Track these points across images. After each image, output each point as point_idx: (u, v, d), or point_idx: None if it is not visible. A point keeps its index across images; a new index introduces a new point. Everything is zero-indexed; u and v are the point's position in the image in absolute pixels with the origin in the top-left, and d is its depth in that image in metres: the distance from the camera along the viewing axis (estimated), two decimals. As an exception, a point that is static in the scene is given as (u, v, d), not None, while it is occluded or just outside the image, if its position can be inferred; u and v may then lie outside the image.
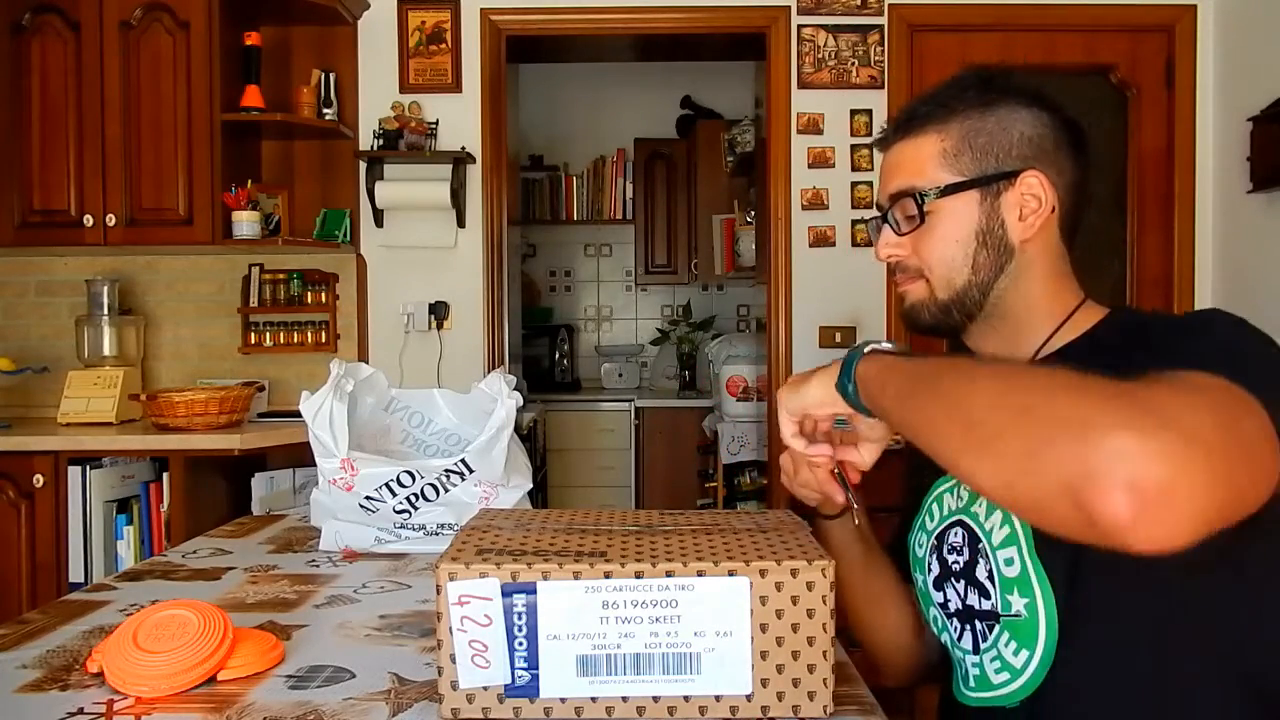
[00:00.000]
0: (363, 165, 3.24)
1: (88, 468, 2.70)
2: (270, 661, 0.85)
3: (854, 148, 3.24)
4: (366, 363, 1.48)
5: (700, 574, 0.73)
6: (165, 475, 2.74)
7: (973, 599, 0.92)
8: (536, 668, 0.73)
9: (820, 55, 3.24)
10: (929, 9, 3.22)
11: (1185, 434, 0.58)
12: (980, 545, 0.91)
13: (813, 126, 3.25)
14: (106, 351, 3.06)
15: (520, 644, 0.73)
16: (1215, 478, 0.58)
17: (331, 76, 3.17)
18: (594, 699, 0.73)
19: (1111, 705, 0.82)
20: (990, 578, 0.90)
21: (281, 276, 3.27)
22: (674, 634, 0.73)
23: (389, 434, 1.44)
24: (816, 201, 3.25)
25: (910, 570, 1.06)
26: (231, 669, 0.82)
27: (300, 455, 2.65)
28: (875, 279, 3.24)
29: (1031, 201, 0.92)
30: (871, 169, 3.24)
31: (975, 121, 0.93)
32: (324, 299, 3.28)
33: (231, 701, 0.78)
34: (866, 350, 0.84)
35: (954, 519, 0.96)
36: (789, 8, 3.23)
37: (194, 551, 1.33)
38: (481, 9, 3.24)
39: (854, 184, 3.24)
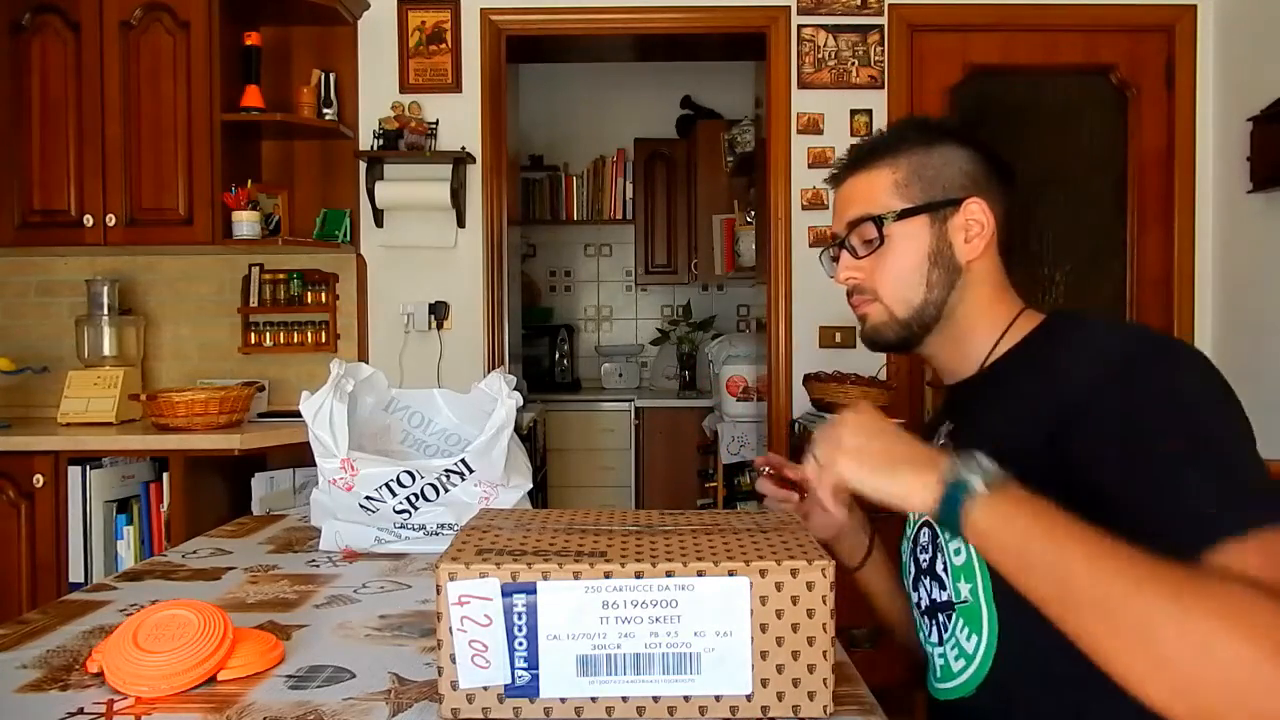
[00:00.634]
0: (363, 165, 3.24)
1: (88, 468, 2.70)
2: (270, 661, 0.85)
3: (854, 148, 3.23)
4: (366, 363, 1.47)
5: (700, 574, 0.73)
6: (165, 475, 2.74)
7: (935, 592, 1.00)
8: (536, 668, 0.73)
9: (820, 55, 3.24)
10: (929, 9, 3.22)
11: None
12: (939, 540, 1.00)
13: (813, 126, 3.25)
14: (106, 351, 3.06)
15: (520, 644, 0.73)
16: None
17: (331, 76, 3.17)
18: (594, 699, 0.73)
19: (1052, 688, 0.87)
20: (945, 569, 0.98)
21: (281, 276, 3.27)
22: (674, 634, 0.73)
23: (389, 434, 1.44)
24: (816, 201, 3.25)
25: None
26: (231, 669, 0.82)
27: (300, 455, 2.66)
28: (875, 279, 3.24)
29: (975, 225, 1.02)
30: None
31: (921, 156, 1.04)
32: (324, 299, 3.28)
33: (231, 701, 0.78)
34: (979, 488, 0.75)
35: (924, 519, 1.04)
36: (789, 8, 3.23)
37: (194, 551, 1.33)
38: (481, 9, 3.24)
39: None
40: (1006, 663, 0.91)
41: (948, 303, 1.03)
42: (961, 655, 0.95)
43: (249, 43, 2.99)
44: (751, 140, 3.94)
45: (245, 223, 2.97)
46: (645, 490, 4.37)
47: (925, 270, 1.02)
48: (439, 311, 3.28)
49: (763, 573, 0.74)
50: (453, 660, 0.73)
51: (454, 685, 0.73)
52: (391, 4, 3.23)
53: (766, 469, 1.13)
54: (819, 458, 0.86)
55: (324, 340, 3.27)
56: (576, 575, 0.73)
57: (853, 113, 3.24)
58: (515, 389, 1.32)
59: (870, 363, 3.16)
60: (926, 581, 1.02)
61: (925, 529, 1.03)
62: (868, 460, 0.81)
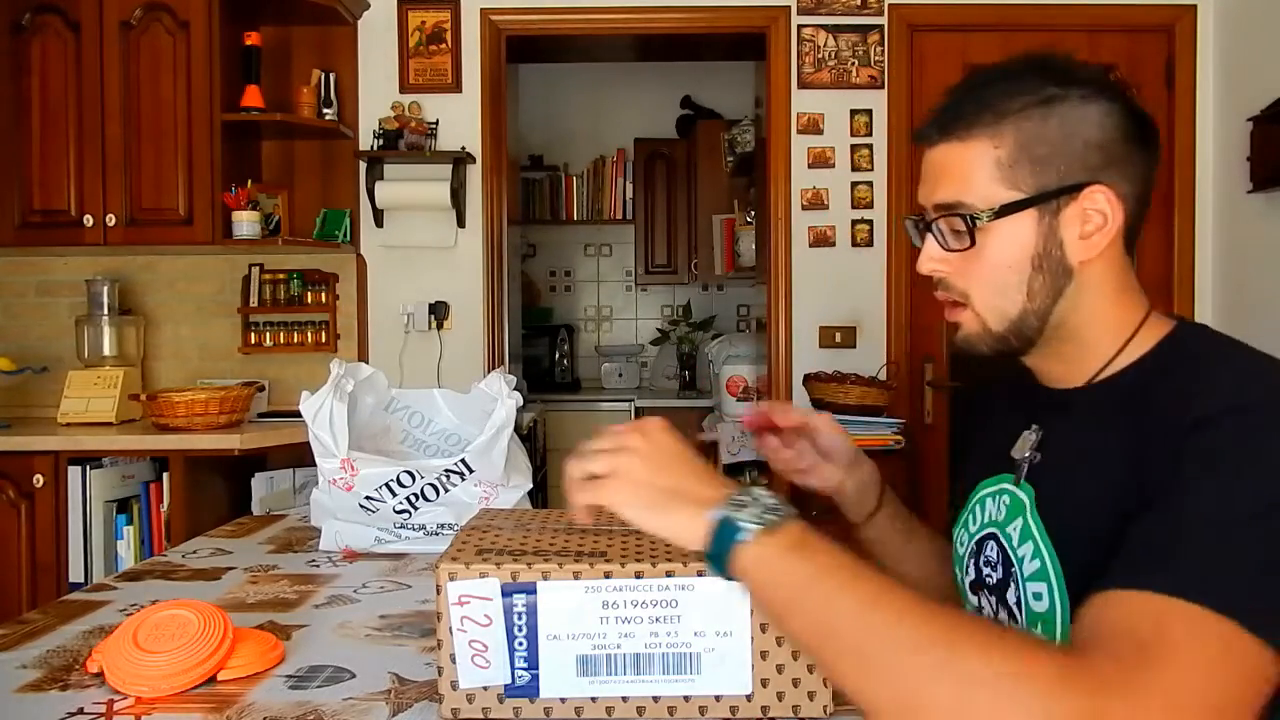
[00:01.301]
0: (363, 165, 3.24)
1: (88, 468, 2.70)
2: (270, 661, 0.85)
3: (854, 148, 3.24)
4: (366, 363, 1.48)
5: (700, 574, 0.73)
6: (165, 475, 2.74)
7: (1003, 616, 0.90)
8: (536, 668, 0.73)
9: (820, 55, 3.24)
10: (929, 9, 3.22)
11: None
12: (1012, 569, 0.88)
13: (813, 126, 3.25)
14: (106, 351, 3.06)
15: (520, 644, 0.73)
16: None
17: (331, 76, 3.17)
18: (594, 699, 0.73)
19: None
20: (1019, 604, 0.87)
21: (281, 276, 3.27)
22: (674, 634, 0.73)
23: (389, 434, 1.44)
24: (816, 201, 3.25)
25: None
26: (231, 669, 0.82)
27: (300, 455, 2.65)
28: (875, 279, 3.24)
29: (1096, 218, 0.82)
30: (871, 169, 3.24)
31: (1034, 125, 0.82)
32: (324, 299, 3.28)
33: (231, 701, 0.78)
34: (748, 529, 0.69)
35: (990, 530, 0.93)
36: (789, 8, 3.23)
37: (194, 551, 1.33)
38: (481, 9, 3.24)
39: (854, 184, 3.24)
40: None
41: (1054, 312, 0.85)
42: None
43: (249, 43, 3.00)
44: (751, 140, 3.94)
45: (245, 223, 2.97)
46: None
47: (1026, 276, 0.84)
48: (439, 311, 3.28)
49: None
50: (453, 660, 0.73)
51: (454, 685, 0.73)
52: (391, 4, 3.23)
53: (754, 428, 1.04)
54: (593, 470, 0.75)
55: (324, 340, 3.27)
56: (576, 575, 0.73)
57: (853, 113, 3.24)
58: (515, 389, 1.32)
59: (870, 363, 3.16)
60: (991, 599, 0.92)
61: (992, 542, 0.92)
62: (645, 496, 0.73)
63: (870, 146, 3.24)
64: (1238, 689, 0.61)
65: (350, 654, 0.90)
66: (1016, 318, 0.86)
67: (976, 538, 0.95)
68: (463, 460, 1.27)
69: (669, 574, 0.73)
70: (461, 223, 3.28)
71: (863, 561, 0.68)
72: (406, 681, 0.83)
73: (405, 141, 3.16)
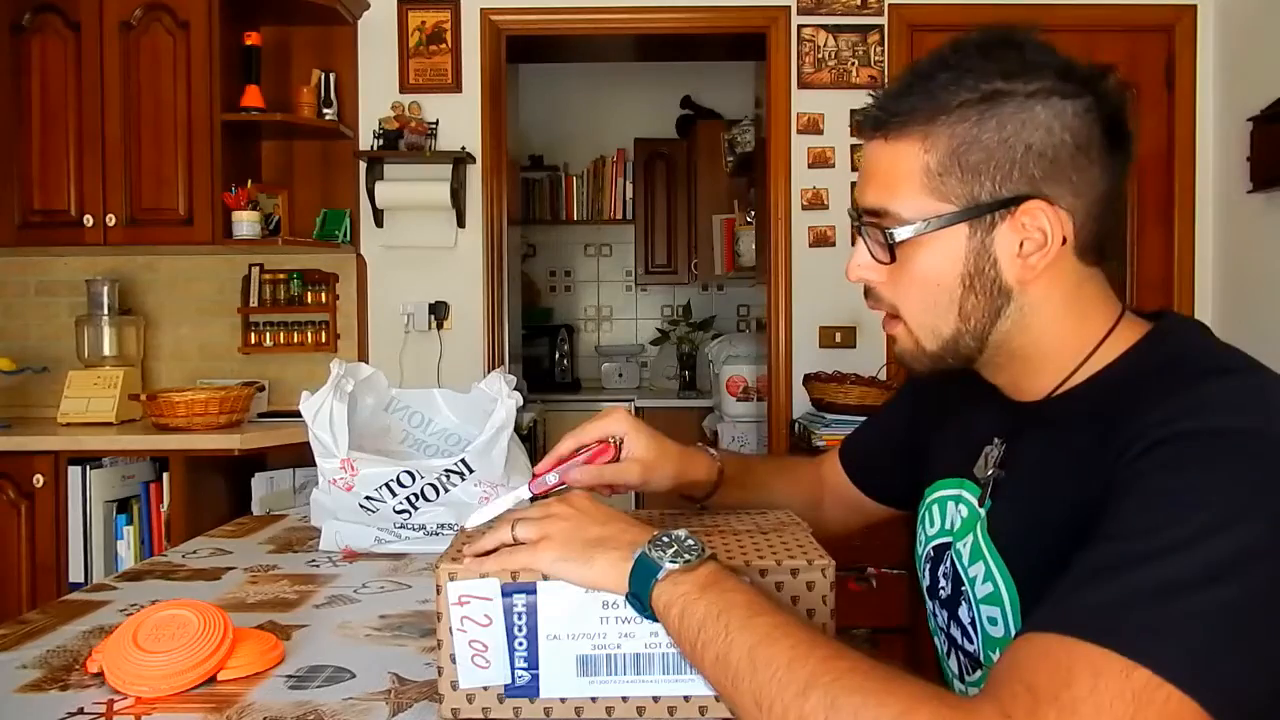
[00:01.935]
0: (363, 165, 3.24)
1: (88, 468, 2.70)
2: (270, 661, 0.85)
3: (854, 148, 3.24)
4: (366, 363, 1.47)
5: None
6: (165, 475, 2.74)
7: (956, 632, 0.88)
8: (536, 668, 0.73)
9: (820, 55, 3.24)
10: (929, 9, 3.22)
11: None
12: (963, 587, 0.86)
13: (813, 126, 3.25)
14: (106, 351, 3.06)
15: (520, 644, 0.73)
16: None
17: (331, 76, 3.17)
18: (594, 699, 0.73)
19: None
20: (973, 624, 0.85)
21: (281, 276, 3.27)
22: (674, 634, 0.73)
23: (389, 434, 1.44)
24: (816, 201, 3.25)
25: (852, 471, 1.12)
26: (231, 669, 0.82)
27: (300, 455, 2.66)
28: (875, 279, 3.24)
29: (1035, 236, 0.74)
30: (871, 169, 3.24)
31: (969, 128, 0.74)
32: (324, 299, 3.28)
33: (231, 701, 0.78)
34: (665, 567, 0.69)
35: (944, 541, 0.90)
36: (789, 8, 3.23)
37: (194, 551, 1.33)
38: (481, 9, 3.24)
39: (854, 184, 3.22)
40: None
41: (994, 333, 0.78)
42: None
43: (249, 43, 3.00)
44: (751, 140, 3.94)
45: (245, 223, 2.97)
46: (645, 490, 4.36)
47: (957, 295, 0.77)
48: (439, 311, 3.28)
49: (763, 573, 0.74)
50: (453, 660, 0.73)
51: (454, 685, 0.73)
52: (391, 4, 3.23)
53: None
54: (521, 537, 0.75)
55: (324, 340, 3.27)
56: (576, 575, 0.73)
57: (853, 113, 3.23)
58: (515, 389, 1.32)
59: (870, 363, 3.16)
60: (944, 613, 0.91)
61: (948, 555, 0.89)
62: (572, 550, 0.73)
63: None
64: None
65: (350, 654, 0.90)
66: (950, 338, 0.79)
67: (934, 543, 0.93)
68: (463, 460, 1.27)
69: (669, 574, 0.73)
70: (461, 223, 3.28)
71: (770, 600, 0.68)
72: (406, 681, 0.83)
73: (405, 141, 3.16)
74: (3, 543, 2.68)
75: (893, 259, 0.78)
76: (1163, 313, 0.81)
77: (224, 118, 2.93)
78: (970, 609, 0.85)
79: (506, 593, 0.72)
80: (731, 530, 0.85)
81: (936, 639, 0.96)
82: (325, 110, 3.13)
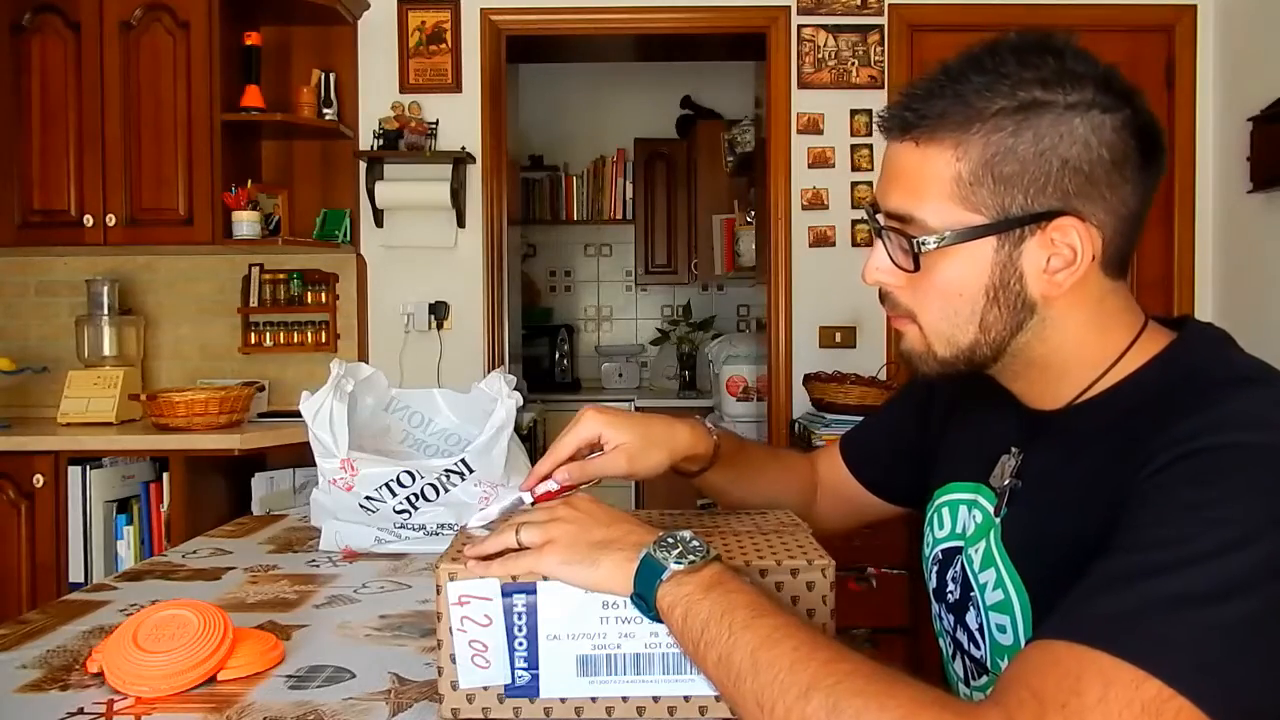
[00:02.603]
0: (363, 165, 3.24)
1: (88, 468, 2.70)
2: (270, 661, 0.85)
3: (854, 148, 3.24)
4: (366, 363, 1.47)
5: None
6: (165, 475, 2.74)
7: (962, 637, 0.88)
8: (536, 668, 0.73)
9: (820, 55, 3.24)
10: (929, 9, 3.22)
11: None
12: (972, 593, 0.85)
13: (813, 126, 3.25)
14: (106, 351, 3.06)
15: (520, 644, 0.73)
16: None
17: (331, 76, 3.17)
18: (594, 699, 0.73)
19: None
20: (981, 631, 0.84)
21: (281, 276, 3.27)
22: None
23: (389, 434, 1.44)
24: (816, 201, 3.25)
25: (854, 465, 1.10)
26: (231, 669, 0.82)
27: (300, 455, 2.66)
28: (875, 279, 3.24)
29: (1064, 252, 0.72)
30: (872, 169, 3.24)
31: (1005, 138, 0.71)
32: (324, 299, 3.28)
33: (231, 701, 0.78)
34: (670, 568, 0.70)
35: (957, 543, 0.89)
36: (789, 8, 3.23)
37: (194, 551, 1.33)
38: (481, 9, 3.24)
39: (854, 184, 3.24)
40: None
41: (1013, 344, 0.77)
42: None
43: (249, 43, 3.00)
44: (751, 140, 3.94)
45: (245, 223, 2.97)
46: (645, 491, 4.37)
47: (980, 307, 0.75)
48: (439, 311, 3.28)
49: (763, 573, 0.74)
50: (453, 660, 0.73)
51: (454, 685, 0.73)
52: (391, 4, 3.23)
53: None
54: (526, 541, 0.75)
55: (324, 340, 3.27)
56: (576, 575, 0.73)
57: (853, 113, 3.24)
58: (515, 389, 1.32)
59: (870, 363, 3.16)
60: (951, 617, 0.90)
61: (958, 559, 0.88)
62: (577, 553, 0.72)
63: (870, 146, 3.24)
64: None
65: (350, 654, 0.90)
66: (967, 347, 0.77)
67: (943, 546, 0.92)
68: (463, 460, 1.27)
69: (669, 574, 0.73)
70: (461, 223, 3.28)
71: (774, 601, 0.68)
72: (406, 681, 0.83)
73: (405, 141, 3.16)
74: (3, 543, 2.68)
75: (917, 268, 0.76)
76: (1185, 321, 0.80)
77: (224, 118, 2.93)
78: (979, 615, 0.84)
79: (506, 593, 0.72)
80: (732, 531, 0.85)
81: (941, 641, 0.95)
82: (325, 110, 3.13)
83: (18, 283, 3.28)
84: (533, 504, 0.87)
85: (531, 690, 0.73)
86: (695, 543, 0.71)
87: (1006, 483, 0.84)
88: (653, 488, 4.36)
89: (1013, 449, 0.85)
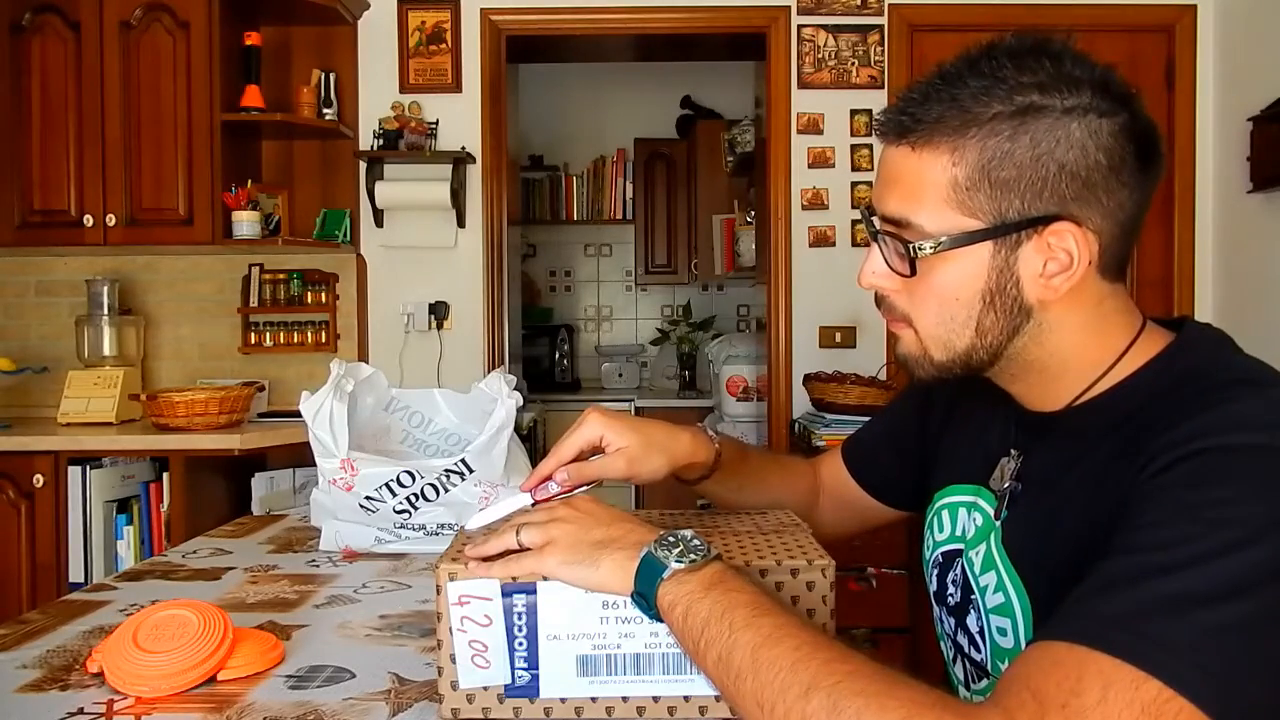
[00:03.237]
0: (363, 165, 3.24)
1: (88, 468, 2.70)
2: (270, 661, 0.85)
3: (854, 148, 3.24)
4: (366, 363, 1.47)
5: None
6: (165, 475, 2.74)
7: (963, 640, 0.88)
8: (536, 668, 0.73)
9: (820, 55, 3.24)
10: (929, 9, 3.22)
11: None
12: (973, 596, 0.85)
13: (813, 126, 3.25)
14: (106, 351, 3.06)
15: (520, 644, 0.73)
16: None
17: (331, 76, 3.17)
18: (594, 699, 0.73)
19: None
20: (982, 633, 0.85)
21: (281, 276, 3.27)
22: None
23: (389, 434, 1.44)
24: (816, 201, 3.25)
25: (855, 469, 1.10)
26: (231, 669, 0.82)
27: (300, 455, 2.66)
28: (875, 279, 3.24)
29: (1060, 257, 0.72)
30: (872, 169, 3.24)
31: (1001, 143, 0.71)
32: (324, 299, 3.28)
33: (231, 701, 0.78)
34: (671, 566, 0.70)
35: (957, 546, 0.89)
36: (789, 8, 3.23)
37: (194, 551, 1.33)
38: (481, 9, 3.24)
39: (854, 184, 3.24)
40: None
41: (1009, 348, 0.77)
42: None
43: (249, 43, 3.00)
44: (751, 140, 3.94)
45: (245, 223, 2.97)
46: (645, 491, 4.36)
47: (976, 311, 0.75)
48: (439, 311, 3.28)
49: (763, 573, 0.74)
50: (453, 660, 0.73)
51: (454, 685, 0.73)
52: (391, 4, 3.23)
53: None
54: (526, 542, 0.74)
55: (324, 340, 3.27)
56: (576, 575, 0.73)
57: (853, 113, 3.24)
58: (515, 389, 1.32)
59: (870, 363, 3.16)
60: (952, 620, 0.90)
61: (959, 562, 0.89)
62: (578, 553, 0.72)
63: (870, 147, 3.24)
64: None
65: (350, 654, 0.90)
66: (963, 351, 0.77)
67: (943, 549, 0.92)
68: (463, 460, 1.27)
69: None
70: (461, 223, 3.28)
71: (775, 600, 0.68)
72: (406, 681, 0.83)
73: (405, 141, 3.16)
74: (3, 543, 2.68)
75: (913, 272, 0.76)
76: (1184, 322, 0.80)
77: (224, 118, 2.93)
78: (979, 618, 0.85)
79: (506, 593, 0.72)
80: (732, 531, 0.85)
81: (943, 644, 0.95)
82: (325, 110, 3.13)
83: (18, 283, 3.28)
84: (533, 506, 0.87)
85: (531, 690, 0.73)
86: (696, 542, 0.71)
87: (1006, 485, 0.84)
88: (652, 488, 4.36)
89: (1012, 451, 0.85)
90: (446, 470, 1.27)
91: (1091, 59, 0.73)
